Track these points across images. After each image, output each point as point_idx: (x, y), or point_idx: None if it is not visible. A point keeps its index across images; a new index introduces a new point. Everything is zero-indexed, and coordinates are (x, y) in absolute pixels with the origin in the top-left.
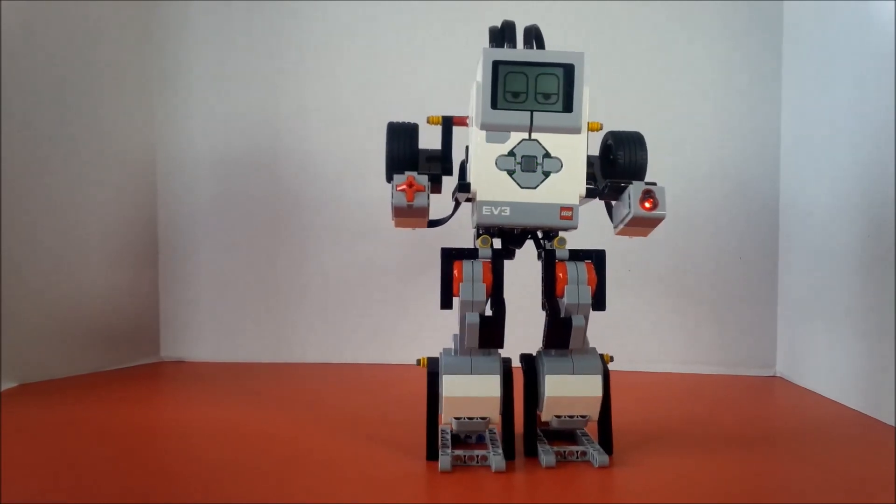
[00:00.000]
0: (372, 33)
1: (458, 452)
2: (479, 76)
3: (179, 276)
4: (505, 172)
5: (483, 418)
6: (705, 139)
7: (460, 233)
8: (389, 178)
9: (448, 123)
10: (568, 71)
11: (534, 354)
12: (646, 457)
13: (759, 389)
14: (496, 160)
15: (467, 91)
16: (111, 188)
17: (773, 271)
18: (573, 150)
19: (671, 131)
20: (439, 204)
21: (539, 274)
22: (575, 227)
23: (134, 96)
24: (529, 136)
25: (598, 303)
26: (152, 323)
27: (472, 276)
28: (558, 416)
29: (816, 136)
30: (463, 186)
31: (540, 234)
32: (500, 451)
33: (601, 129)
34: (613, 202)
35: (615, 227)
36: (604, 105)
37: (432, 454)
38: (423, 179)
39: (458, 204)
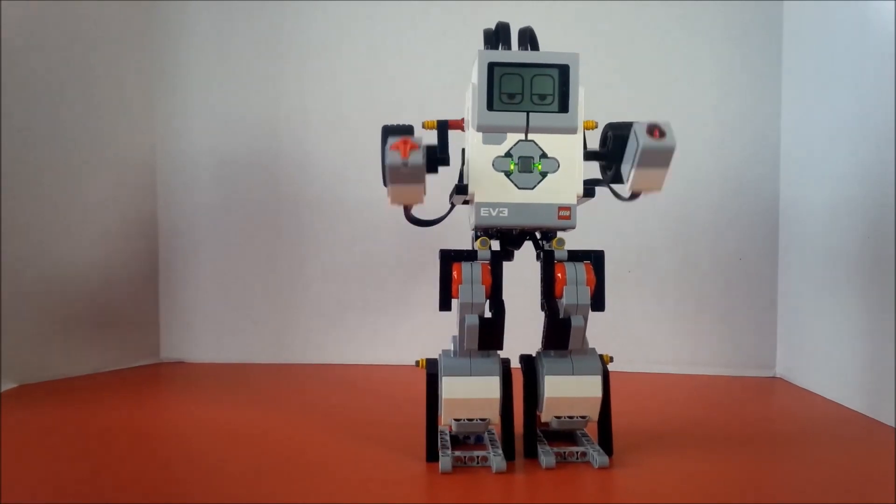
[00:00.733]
0: (372, 34)
1: (458, 453)
2: (474, 78)
3: (179, 277)
4: (502, 173)
5: (483, 419)
6: (705, 139)
7: (459, 235)
8: (385, 182)
9: (443, 127)
10: (563, 71)
11: (533, 355)
12: (646, 457)
13: (758, 390)
14: (493, 161)
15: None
16: (111, 188)
17: (773, 271)
18: (570, 150)
19: (671, 131)
20: (439, 204)
21: (538, 275)
22: (573, 227)
23: (134, 96)
24: (526, 136)
25: (598, 303)
26: (152, 324)
27: (471, 277)
28: (558, 417)
29: (816, 136)
30: (460, 188)
31: (538, 235)
32: (500, 451)
33: (596, 127)
34: (622, 166)
35: (627, 183)
36: (604, 105)
37: (432, 455)
38: (419, 139)
39: (452, 206)
